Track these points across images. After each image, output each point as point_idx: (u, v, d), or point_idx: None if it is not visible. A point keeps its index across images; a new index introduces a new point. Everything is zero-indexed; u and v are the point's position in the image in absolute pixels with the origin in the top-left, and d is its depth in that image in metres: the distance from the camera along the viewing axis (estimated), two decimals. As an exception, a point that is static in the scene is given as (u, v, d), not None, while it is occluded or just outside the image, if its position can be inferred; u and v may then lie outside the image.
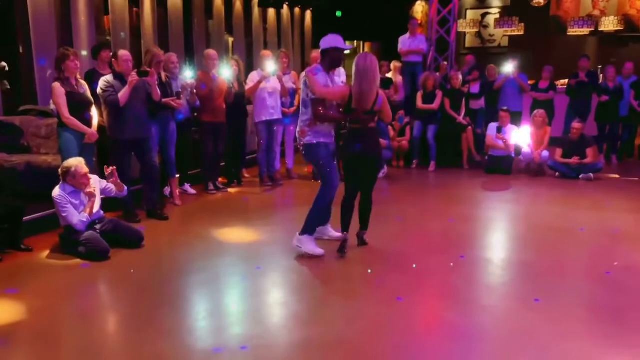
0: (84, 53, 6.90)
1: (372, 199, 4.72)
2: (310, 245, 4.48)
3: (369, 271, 4.18)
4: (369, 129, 4.45)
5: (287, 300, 3.83)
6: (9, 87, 7.35)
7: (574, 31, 13.18)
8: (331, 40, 4.49)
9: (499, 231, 5.74)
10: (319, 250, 4.48)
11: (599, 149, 8.77)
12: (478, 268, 4.43)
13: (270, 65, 6.75)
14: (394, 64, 9.90)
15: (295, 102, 7.20)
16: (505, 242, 5.41)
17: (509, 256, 4.86)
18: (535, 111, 8.25)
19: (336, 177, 4.53)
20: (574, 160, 7.75)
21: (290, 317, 3.58)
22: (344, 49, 4.56)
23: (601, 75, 10.07)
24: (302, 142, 4.55)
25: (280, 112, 7.10)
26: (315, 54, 6.75)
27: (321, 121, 4.43)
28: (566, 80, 9.76)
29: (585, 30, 13.10)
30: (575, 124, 7.89)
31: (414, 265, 4.38)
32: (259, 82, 6.82)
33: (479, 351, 3.16)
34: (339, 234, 4.70)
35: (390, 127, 8.59)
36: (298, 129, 4.62)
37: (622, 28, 12.92)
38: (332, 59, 4.50)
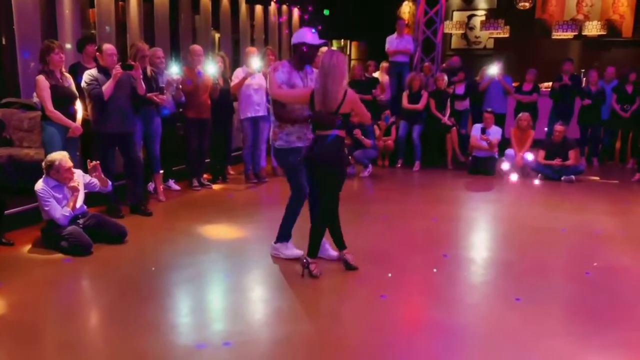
0: (68, 46, 6.82)
1: (326, 219, 4.15)
2: (287, 250, 4.41)
3: (389, 275, 4.17)
4: (335, 137, 3.94)
5: (271, 297, 3.84)
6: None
7: (558, 35, 13.36)
8: (300, 34, 4.18)
9: (481, 231, 5.80)
10: (297, 252, 4.39)
11: (580, 151, 8.89)
12: (461, 267, 4.47)
13: (255, 61, 6.75)
14: (382, 64, 9.95)
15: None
16: (488, 241, 5.46)
17: (491, 256, 4.91)
18: (521, 114, 8.33)
19: (305, 183, 4.26)
20: (557, 162, 7.85)
21: (274, 313, 3.58)
22: (314, 45, 4.17)
23: (584, 78, 10.22)
24: (274, 145, 4.32)
25: (265, 109, 7.08)
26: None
27: (283, 122, 4.17)
28: (550, 83, 9.89)
29: (569, 34, 13.29)
30: (558, 127, 8.00)
31: (389, 275, 4.40)
32: (244, 78, 6.82)
33: (461, 349, 3.19)
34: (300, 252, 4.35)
35: (376, 127, 8.64)
36: (271, 130, 4.42)
37: (604, 33, 13.12)
38: (301, 55, 4.19)
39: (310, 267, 4.06)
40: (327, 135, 3.94)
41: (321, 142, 3.97)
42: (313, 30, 4.22)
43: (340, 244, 4.31)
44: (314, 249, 4.11)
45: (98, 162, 4.83)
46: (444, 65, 10.25)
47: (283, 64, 4.25)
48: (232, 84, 6.93)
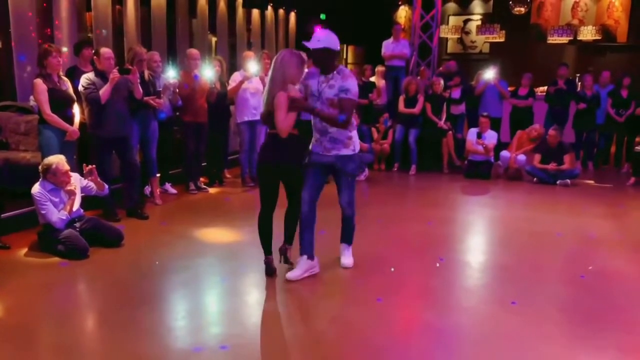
0: (65, 49, 6.83)
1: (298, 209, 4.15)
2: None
3: (392, 269, 4.30)
4: (288, 137, 3.90)
5: (267, 300, 3.83)
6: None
7: (553, 39, 13.44)
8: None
9: (477, 235, 5.82)
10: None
11: (576, 155, 8.93)
12: (456, 270, 4.49)
13: (252, 65, 6.77)
14: (378, 69, 9.99)
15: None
16: (484, 245, 5.48)
17: (487, 259, 4.93)
18: (537, 125, 8.38)
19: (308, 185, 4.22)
20: (552, 166, 7.89)
21: (270, 316, 3.59)
22: (313, 48, 3.93)
23: (579, 83, 10.27)
24: None
25: (262, 113, 7.09)
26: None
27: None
28: (545, 88, 9.93)
29: (564, 39, 13.37)
30: (551, 131, 8.04)
31: (392, 269, 4.41)
32: (241, 82, 6.84)
33: (457, 352, 3.20)
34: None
35: (374, 130, 8.67)
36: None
37: (599, 37, 13.21)
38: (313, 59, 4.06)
39: (287, 253, 4.21)
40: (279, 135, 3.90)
41: (274, 141, 3.95)
42: (328, 33, 4.03)
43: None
44: (292, 236, 4.26)
45: (94, 166, 4.84)
46: (440, 69, 10.29)
47: (312, 68, 4.19)
48: (229, 87, 6.95)
